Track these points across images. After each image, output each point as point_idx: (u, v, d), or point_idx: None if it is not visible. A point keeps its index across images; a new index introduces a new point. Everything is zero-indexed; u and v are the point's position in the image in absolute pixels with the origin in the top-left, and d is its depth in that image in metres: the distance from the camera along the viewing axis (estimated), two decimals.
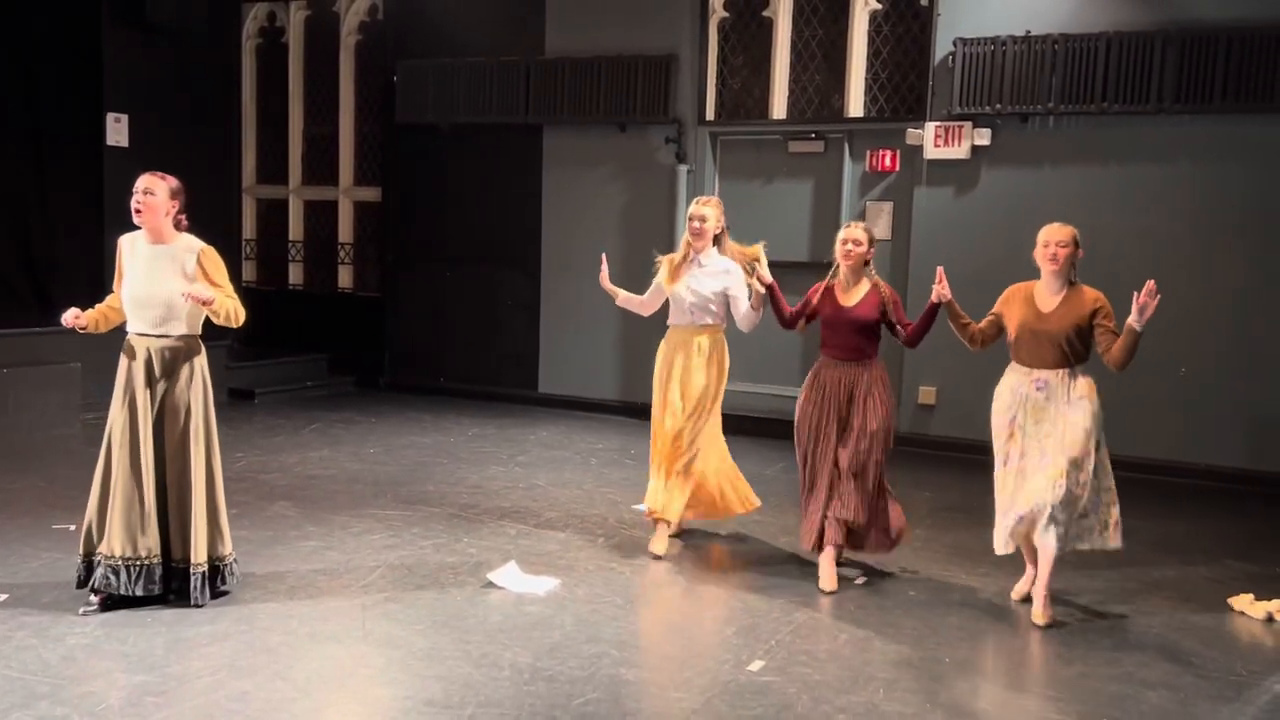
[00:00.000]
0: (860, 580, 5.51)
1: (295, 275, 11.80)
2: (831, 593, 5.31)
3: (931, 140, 8.59)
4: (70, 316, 4.73)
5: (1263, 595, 5.28)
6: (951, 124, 8.53)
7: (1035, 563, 5.14)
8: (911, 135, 8.69)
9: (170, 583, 4.74)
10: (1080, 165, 8.26)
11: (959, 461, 8.00)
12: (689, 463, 5.81)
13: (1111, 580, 5.59)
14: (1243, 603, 5.24)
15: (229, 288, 4.78)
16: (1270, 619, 5.11)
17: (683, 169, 9.43)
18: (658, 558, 5.77)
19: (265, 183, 11.92)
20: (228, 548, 4.87)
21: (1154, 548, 6.23)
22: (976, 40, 8.36)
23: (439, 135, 10.49)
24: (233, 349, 9.84)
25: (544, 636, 4.60)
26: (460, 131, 10.40)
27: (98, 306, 4.87)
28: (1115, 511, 5.01)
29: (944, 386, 8.71)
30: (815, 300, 5.51)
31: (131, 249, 4.75)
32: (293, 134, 11.68)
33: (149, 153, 9.16)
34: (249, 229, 11.94)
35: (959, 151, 8.53)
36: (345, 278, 11.54)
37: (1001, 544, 5.07)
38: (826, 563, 5.41)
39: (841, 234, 5.46)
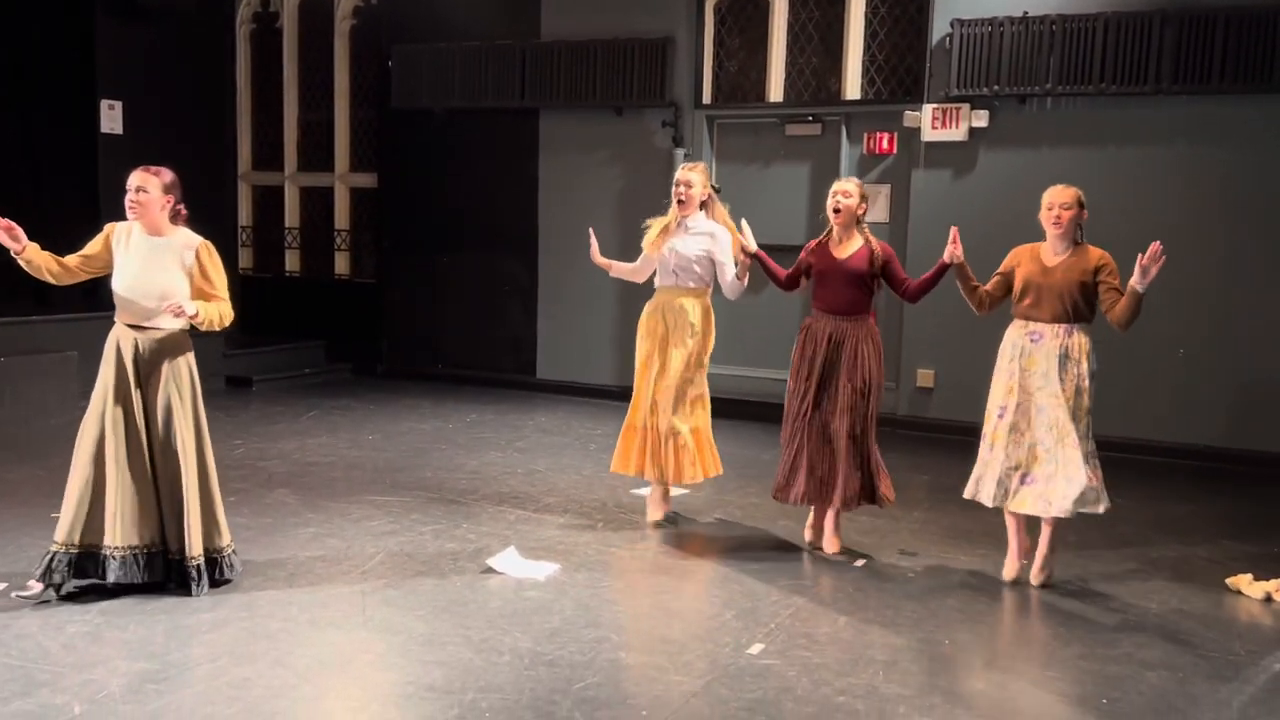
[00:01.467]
0: (859, 563, 5.52)
1: (291, 262, 11.78)
2: (835, 554, 5.47)
3: (929, 122, 8.56)
4: (8, 232, 4.53)
5: (1261, 575, 5.28)
6: (949, 106, 8.50)
7: (1019, 534, 5.20)
8: (909, 117, 8.66)
9: (169, 573, 4.74)
10: (1078, 146, 8.23)
11: (957, 444, 7.96)
12: (668, 425, 5.83)
13: (1109, 561, 5.60)
14: (1241, 583, 5.24)
15: (223, 287, 4.73)
16: (1268, 599, 5.12)
17: (680, 153, 9.39)
18: (659, 525, 5.97)
19: (261, 169, 11.88)
20: (225, 539, 4.87)
21: (1152, 528, 6.24)
22: (974, 21, 8.33)
23: (435, 120, 10.45)
24: (230, 336, 9.82)
25: (544, 621, 4.60)
26: (456, 116, 10.36)
27: (52, 255, 4.70)
28: (1099, 474, 5.06)
29: (942, 369, 8.71)
30: (808, 256, 5.54)
31: (125, 240, 4.67)
32: (288, 120, 11.64)
33: (143, 140, 9.13)
34: (245, 216, 11.91)
35: (957, 133, 8.50)
36: (342, 264, 11.53)
37: (989, 496, 5.11)
38: (830, 527, 5.53)
39: (833, 187, 5.49)
